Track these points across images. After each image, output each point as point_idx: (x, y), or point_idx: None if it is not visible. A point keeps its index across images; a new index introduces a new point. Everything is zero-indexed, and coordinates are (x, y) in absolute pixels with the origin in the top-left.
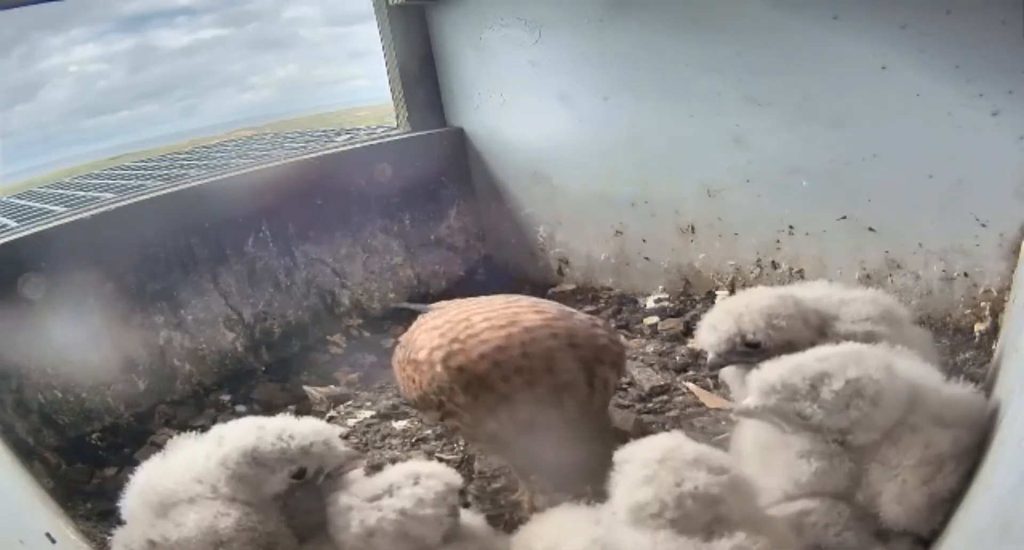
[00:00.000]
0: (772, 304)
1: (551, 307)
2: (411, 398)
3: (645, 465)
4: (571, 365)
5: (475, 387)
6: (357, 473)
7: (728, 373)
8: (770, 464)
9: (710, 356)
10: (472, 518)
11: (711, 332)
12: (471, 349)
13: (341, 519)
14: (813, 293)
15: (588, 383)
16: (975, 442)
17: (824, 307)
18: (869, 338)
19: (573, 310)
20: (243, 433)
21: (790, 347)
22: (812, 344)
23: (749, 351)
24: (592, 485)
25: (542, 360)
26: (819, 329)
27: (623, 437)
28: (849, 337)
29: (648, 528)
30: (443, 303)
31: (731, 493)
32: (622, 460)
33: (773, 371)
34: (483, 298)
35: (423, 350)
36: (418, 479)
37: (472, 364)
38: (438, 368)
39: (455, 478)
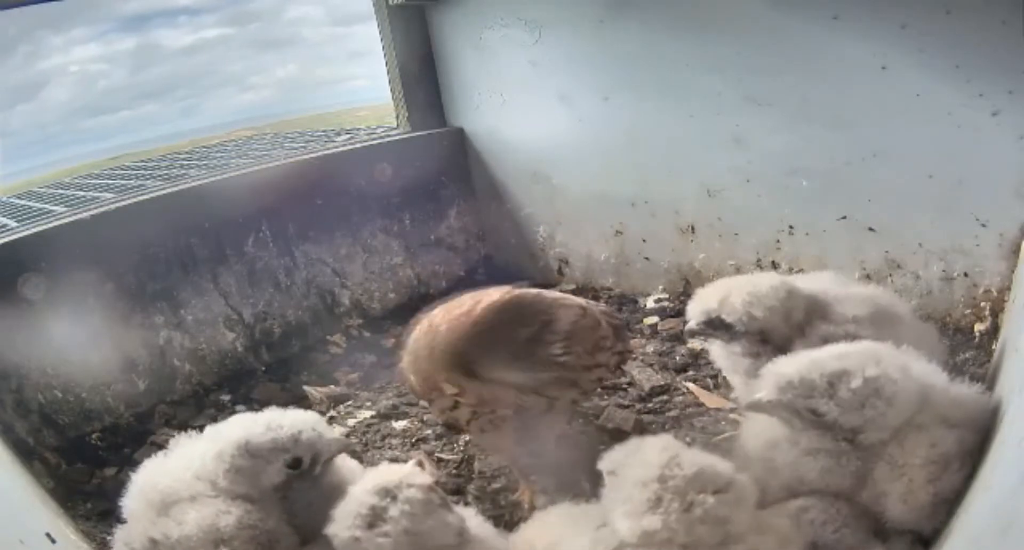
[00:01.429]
0: (758, 292)
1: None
2: (415, 375)
3: (645, 485)
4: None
5: (474, 338)
6: (353, 469)
7: (725, 367)
8: (776, 462)
9: (689, 324)
10: (475, 518)
11: (700, 302)
12: (475, 307)
13: None
14: (815, 285)
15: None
16: (979, 442)
17: (817, 303)
18: (851, 340)
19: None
20: (235, 427)
21: (762, 335)
22: (787, 339)
23: (722, 329)
24: (582, 467)
25: (546, 312)
26: (800, 327)
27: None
28: (828, 338)
29: (655, 547)
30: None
31: (736, 508)
32: (611, 472)
33: (790, 366)
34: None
35: (423, 323)
36: (393, 494)
37: (476, 318)
38: (442, 328)
39: (421, 477)
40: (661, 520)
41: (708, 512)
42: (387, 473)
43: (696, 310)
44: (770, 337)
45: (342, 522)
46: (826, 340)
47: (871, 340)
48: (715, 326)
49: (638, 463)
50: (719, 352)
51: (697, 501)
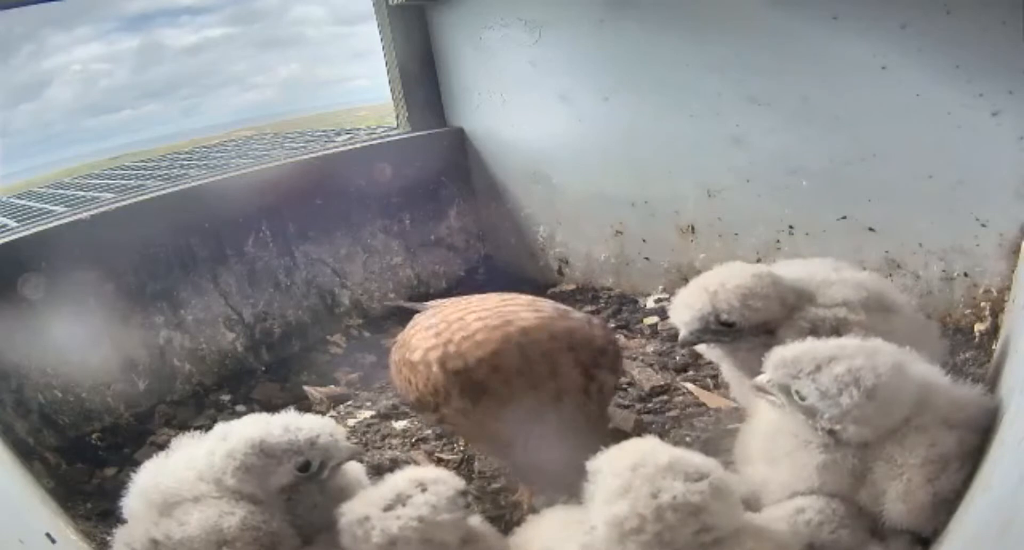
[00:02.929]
0: (748, 283)
1: (547, 305)
2: (408, 400)
3: (617, 474)
4: (570, 369)
5: (475, 391)
6: (357, 471)
7: (727, 371)
8: (777, 461)
9: (682, 333)
10: (477, 520)
11: (685, 309)
12: (467, 352)
13: (360, 530)
14: (800, 271)
15: (584, 388)
16: (979, 442)
17: (804, 287)
18: (841, 325)
19: (569, 309)
20: (250, 426)
21: (765, 327)
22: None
23: (722, 329)
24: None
25: (542, 363)
26: (793, 309)
27: (622, 438)
28: (818, 323)
29: (633, 545)
30: (438, 301)
31: (713, 500)
32: (594, 470)
33: (791, 349)
34: (478, 296)
35: (418, 351)
36: (424, 486)
37: (470, 369)
38: (434, 369)
39: (458, 480)
40: (629, 505)
41: (677, 498)
42: (428, 469)
43: (686, 318)
44: (772, 327)
45: (360, 500)
46: (815, 325)
47: (864, 326)
48: (712, 329)
49: (616, 457)
50: (718, 354)
51: (665, 487)
